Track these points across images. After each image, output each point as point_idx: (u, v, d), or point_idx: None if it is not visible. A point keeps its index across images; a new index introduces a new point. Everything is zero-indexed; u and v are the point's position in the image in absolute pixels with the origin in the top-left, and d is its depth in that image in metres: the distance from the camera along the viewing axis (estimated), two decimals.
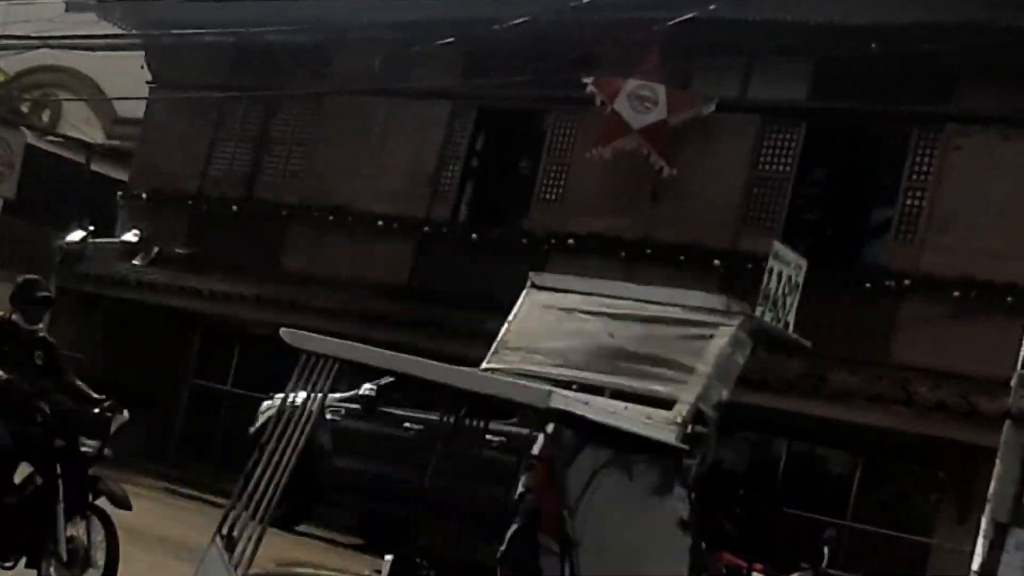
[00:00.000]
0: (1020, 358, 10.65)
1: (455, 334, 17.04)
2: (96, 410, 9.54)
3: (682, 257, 16.89)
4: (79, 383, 9.82)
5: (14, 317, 9.69)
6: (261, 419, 15.55)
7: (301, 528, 15.02)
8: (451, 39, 16.83)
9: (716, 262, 16.69)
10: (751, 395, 15.04)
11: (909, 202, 15.94)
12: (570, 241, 17.78)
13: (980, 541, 10.53)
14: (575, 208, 18.02)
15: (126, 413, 9.63)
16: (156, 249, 21.38)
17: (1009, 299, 14.62)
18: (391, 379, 14.96)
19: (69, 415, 9.45)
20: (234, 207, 21.15)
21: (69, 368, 10.00)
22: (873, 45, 14.66)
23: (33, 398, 9.27)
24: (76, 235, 21.53)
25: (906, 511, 15.24)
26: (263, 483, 8.93)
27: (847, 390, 14.75)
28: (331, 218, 19.95)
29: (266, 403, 15.75)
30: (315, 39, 19.76)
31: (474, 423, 13.89)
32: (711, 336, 8.82)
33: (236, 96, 21.08)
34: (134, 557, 9.94)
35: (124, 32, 22.29)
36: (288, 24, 19.40)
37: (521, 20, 16.05)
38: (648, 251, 17.19)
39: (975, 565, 10.51)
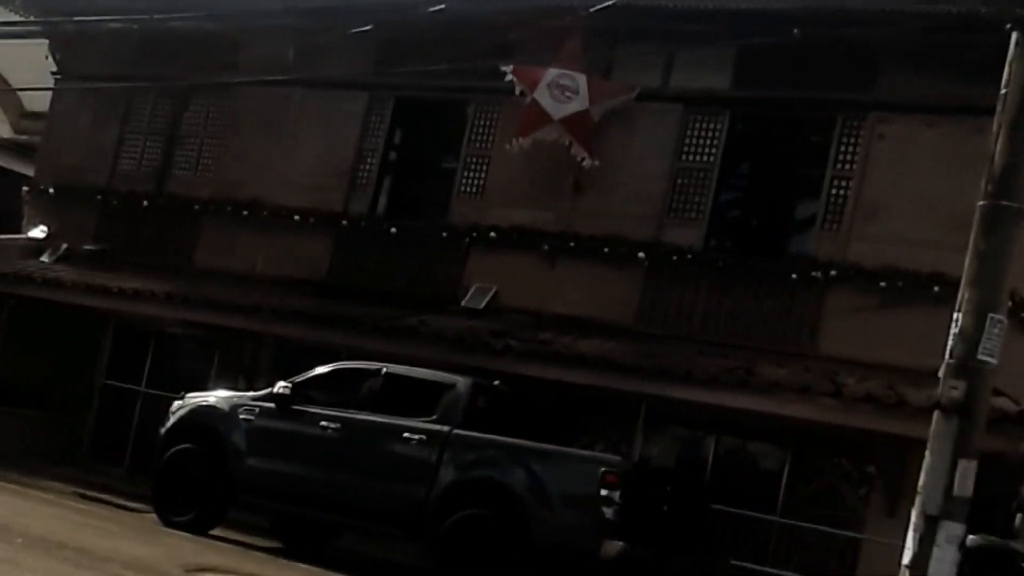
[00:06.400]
0: (947, 347, 10.41)
1: (373, 330, 16.69)
2: None
3: (606, 249, 16.69)
4: None
5: None
6: (172, 419, 15.18)
7: (215, 532, 14.54)
8: (367, 27, 16.37)
9: (640, 254, 16.46)
10: (678, 389, 14.86)
11: (835, 191, 15.76)
12: (492, 234, 17.51)
13: (910, 535, 10.31)
14: (496, 200, 17.75)
15: None
16: (64, 246, 20.80)
17: (935, 288, 14.43)
18: (307, 377, 14.60)
19: None
20: (144, 202, 20.62)
21: None
22: (796, 31, 14.40)
23: None
24: None
25: (836, 505, 15.02)
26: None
27: (775, 383, 14.51)
28: (245, 213, 19.53)
29: (177, 403, 15.37)
30: (225, 27, 19.26)
31: (392, 420, 13.63)
32: None
33: (144, 87, 20.47)
34: (25, 564, 9.47)
35: (24, 20, 21.52)
36: (195, 11, 18.83)
37: (437, 7, 15.65)
38: (571, 244, 16.96)
39: (905, 559, 10.28)
